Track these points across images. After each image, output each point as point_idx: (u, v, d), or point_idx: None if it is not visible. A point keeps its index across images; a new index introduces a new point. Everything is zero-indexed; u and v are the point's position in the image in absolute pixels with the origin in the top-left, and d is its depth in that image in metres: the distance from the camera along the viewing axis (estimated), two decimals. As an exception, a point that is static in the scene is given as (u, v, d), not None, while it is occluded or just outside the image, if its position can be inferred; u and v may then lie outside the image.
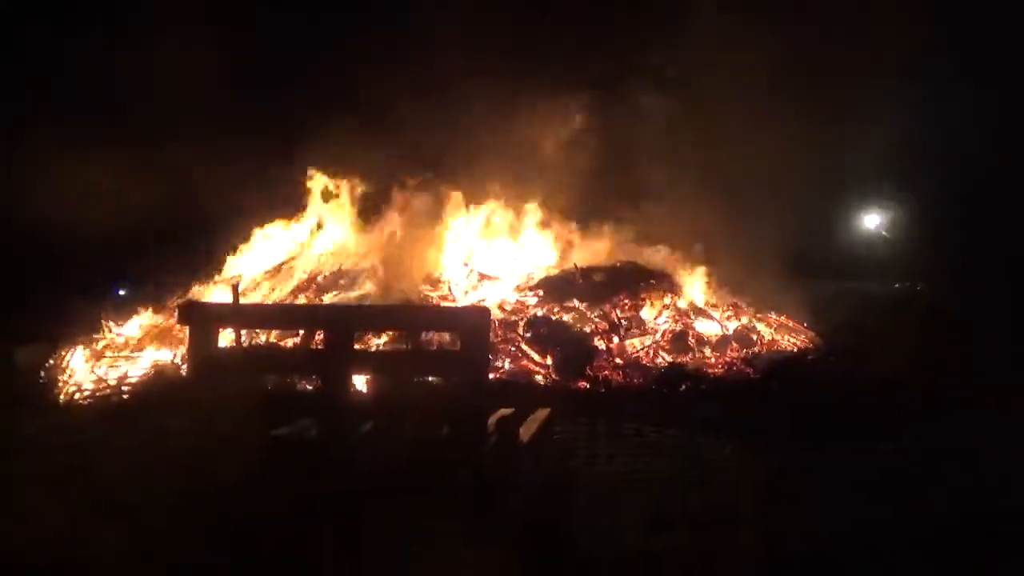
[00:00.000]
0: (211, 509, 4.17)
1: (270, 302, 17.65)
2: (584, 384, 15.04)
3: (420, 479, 3.95)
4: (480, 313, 4.56)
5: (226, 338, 5.22)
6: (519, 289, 18.27)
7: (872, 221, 34.19)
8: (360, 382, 6.42)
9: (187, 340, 4.71)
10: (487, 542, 3.83)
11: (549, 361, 15.52)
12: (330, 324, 4.70)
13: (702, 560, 5.81)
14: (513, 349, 15.83)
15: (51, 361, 16.22)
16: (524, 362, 15.60)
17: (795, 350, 17.59)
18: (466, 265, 19.12)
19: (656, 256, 20.15)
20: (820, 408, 12.18)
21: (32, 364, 16.01)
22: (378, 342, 13.89)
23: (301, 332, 13.19)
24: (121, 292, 20.78)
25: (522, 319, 16.78)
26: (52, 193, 16.64)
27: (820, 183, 23.73)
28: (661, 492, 7.61)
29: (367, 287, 17.84)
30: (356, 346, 5.11)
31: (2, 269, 18.68)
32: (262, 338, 13.71)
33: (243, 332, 6.39)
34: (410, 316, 5.70)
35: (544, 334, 16.10)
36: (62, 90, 20.23)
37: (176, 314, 4.60)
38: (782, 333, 18.32)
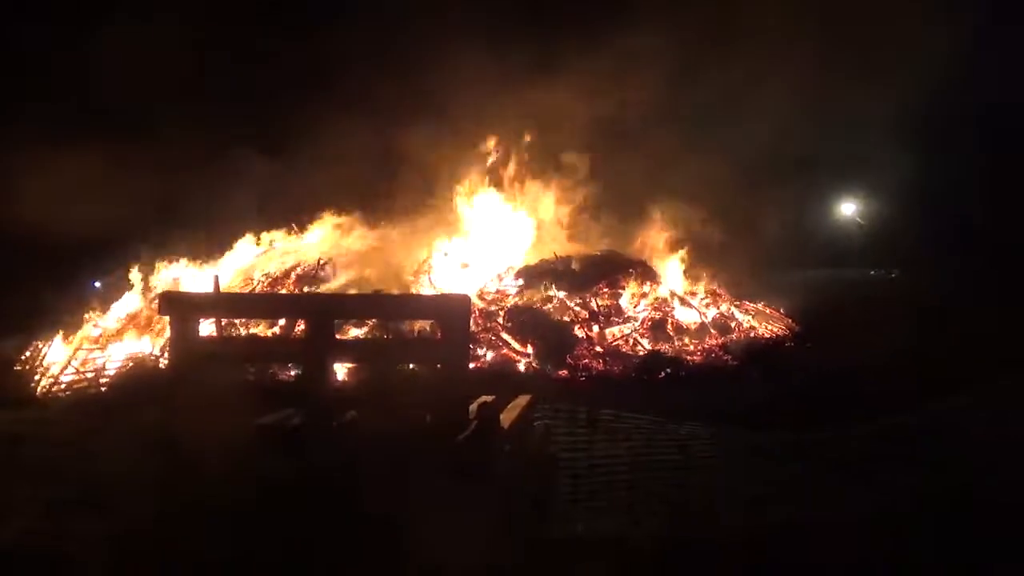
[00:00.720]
0: (195, 499, 4.16)
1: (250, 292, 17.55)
2: (564, 372, 15.15)
3: (403, 465, 3.98)
4: (460, 301, 4.58)
5: (207, 328, 5.20)
6: (499, 278, 18.32)
7: (848, 209, 34.54)
8: (342, 371, 6.43)
9: (168, 330, 4.69)
10: (468, 525, 3.87)
11: (530, 350, 15.62)
12: (311, 313, 4.70)
13: (679, 542, 5.90)
14: (494, 338, 15.90)
15: (27, 354, 16.04)
16: (505, 351, 15.67)
17: (773, 337, 17.82)
18: (446, 255, 19.14)
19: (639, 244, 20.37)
20: (798, 393, 12.36)
21: (6, 357, 15.82)
22: (357, 332, 13.88)
23: (282, 322, 13.21)
24: (97, 284, 20.54)
25: (503, 309, 16.84)
26: (28, 191, 16.49)
27: (797, 171, 23.97)
28: (639, 476, 7.69)
29: (343, 279, 17.83)
30: (337, 335, 5.12)
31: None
32: (243, 330, 13.65)
33: (224, 322, 6.39)
34: (391, 304, 5.71)
35: (525, 323, 16.18)
36: (41, 87, 19.99)
37: (157, 304, 4.57)
38: (760, 320, 18.53)
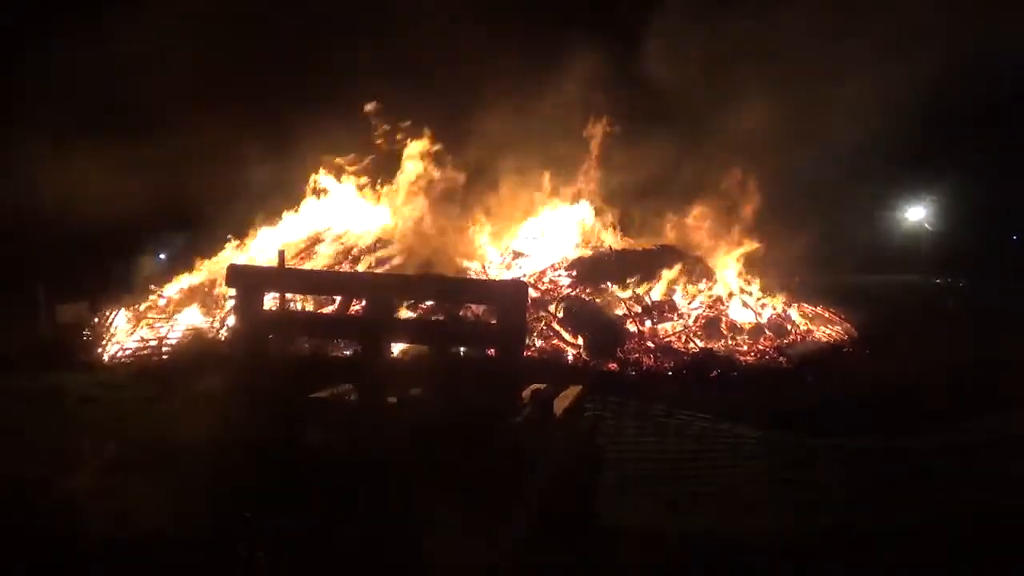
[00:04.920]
0: (245, 466, 4.26)
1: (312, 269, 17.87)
2: (615, 365, 15.09)
3: (455, 446, 4.04)
4: (517, 287, 4.63)
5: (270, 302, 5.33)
6: (553, 269, 18.31)
7: (916, 214, 33.47)
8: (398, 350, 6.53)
9: (234, 302, 4.83)
10: (517, 509, 3.91)
11: (580, 341, 15.59)
12: (372, 292, 4.79)
13: (722, 540, 5.86)
14: (545, 328, 15.90)
15: (94, 320, 16.67)
16: (556, 341, 15.68)
17: (830, 341, 17.42)
18: (502, 242, 19.21)
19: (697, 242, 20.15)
20: (852, 400, 12.09)
21: (73, 323, 16.47)
22: (412, 313, 14.05)
23: (340, 299, 13.44)
24: (162, 256, 21.20)
25: (555, 299, 16.82)
26: (100, 173, 17.14)
27: (864, 175, 23.39)
28: (686, 473, 7.66)
29: (396, 260, 18.01)
30: (395, 314, 5.20)
31: (55, 239, 19.28)
32: (299, 305, 13.95)
33: (287, 297, 6.55)
34: (449, 287, 5.76)
35: (576, 315, 16.15)
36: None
37: (224, 276, 4.69)
38: (818, 324, 18.12)
